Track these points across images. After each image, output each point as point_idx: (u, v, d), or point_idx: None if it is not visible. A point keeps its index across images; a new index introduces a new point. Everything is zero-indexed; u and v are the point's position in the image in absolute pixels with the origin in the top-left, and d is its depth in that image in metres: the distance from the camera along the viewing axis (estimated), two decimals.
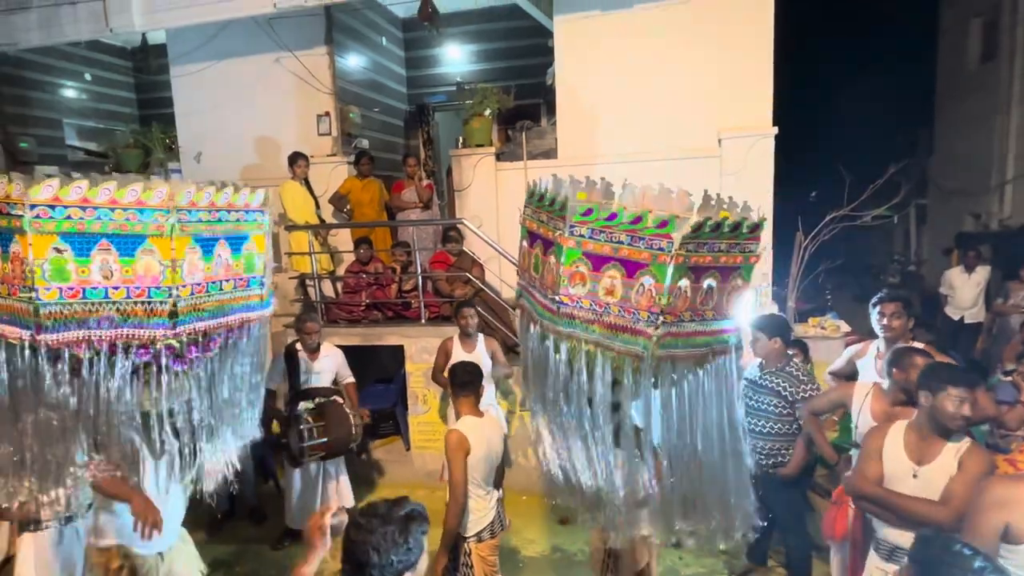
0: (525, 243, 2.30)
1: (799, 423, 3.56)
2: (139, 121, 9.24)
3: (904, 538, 2.46)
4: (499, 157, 6.44)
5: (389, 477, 5.84)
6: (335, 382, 4.76)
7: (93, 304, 1.75)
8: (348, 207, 6.69)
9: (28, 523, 2.87)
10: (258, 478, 5.24)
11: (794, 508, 3.74)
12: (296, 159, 6.28)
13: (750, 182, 5.49)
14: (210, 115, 7.05)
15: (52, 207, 1.69)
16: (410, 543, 1.64)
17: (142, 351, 1.82)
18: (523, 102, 7.16)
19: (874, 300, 3.61)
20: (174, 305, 1.83)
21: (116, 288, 1.77)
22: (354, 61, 7.67)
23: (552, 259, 2.03)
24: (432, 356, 5.05)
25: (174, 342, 1.85)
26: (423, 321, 5.69)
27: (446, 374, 3.53)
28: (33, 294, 1.69)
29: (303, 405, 4.41)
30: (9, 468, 1.88)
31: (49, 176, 1.78)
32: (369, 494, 5.44)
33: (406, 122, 9.08)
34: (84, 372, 1.77)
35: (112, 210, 1.74)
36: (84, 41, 7.24)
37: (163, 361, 1.85)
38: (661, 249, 1.84)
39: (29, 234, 1.66)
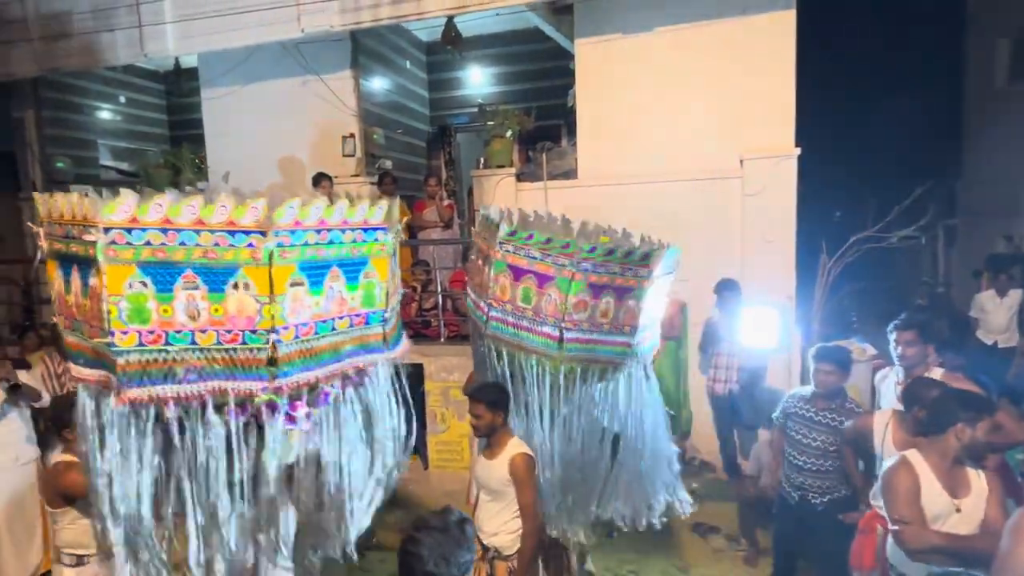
0: (474, 257, 2.81)
1: None
2: (170, 142, 9.50)
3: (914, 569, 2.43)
4: (519, 178, 6.47)
5: (406, 496, 5.80)
6: None
7: (178, 351, 1.42)
8: None
9: (69, 555, 2.75)
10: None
11: (840, 546, 3.62)
12: (320, 179, 6.38)
13: (773, 203, 5.42)
14: (238, 136, 7.22)
15: (129, 230, 1.35)
16: (470, 543, 1.72)
17: (238, 410, 1.48)
18: (544, 123, 7.20)
19: (889, 327, 3.50)
20: (273, 351, 1.47)
21: (203, 332, 1.43)
22: (378, 84, 7.81)
23: (487, 269, 2.52)
24: (450, 375, 5.04)
25: (275, 398, 1.49)
26: (442, 340, 5.70)
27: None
28: (109, 338, 1.38)
29: None
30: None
31: (121, 183, 1.54)
32: (386, 513, 5.40)
33: (429, 143, 9.20)
34: (174, 433, 1.46)
35: (198, 232, 1.39)
36: (120, 65, 7.50)
37: (263, 420, 1.51)
38: (563, 265, 2.30)
39: (103, 264, 1.34)
